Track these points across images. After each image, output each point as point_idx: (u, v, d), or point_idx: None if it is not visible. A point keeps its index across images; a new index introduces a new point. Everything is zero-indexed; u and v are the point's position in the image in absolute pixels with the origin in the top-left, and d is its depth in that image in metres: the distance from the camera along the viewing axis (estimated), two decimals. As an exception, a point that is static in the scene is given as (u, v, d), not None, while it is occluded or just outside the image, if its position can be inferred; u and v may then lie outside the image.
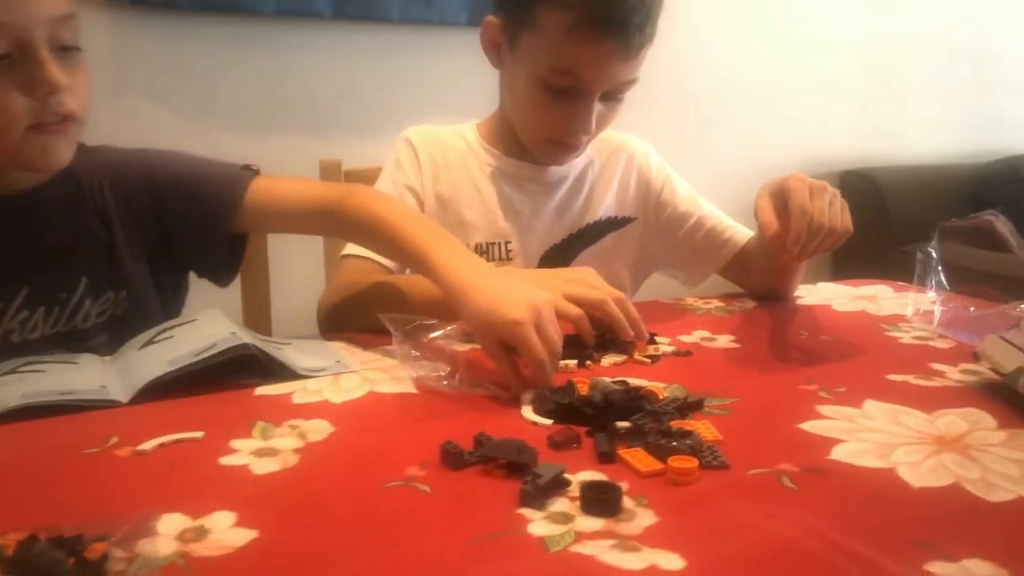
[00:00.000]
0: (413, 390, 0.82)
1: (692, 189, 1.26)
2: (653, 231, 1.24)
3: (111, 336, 1.01)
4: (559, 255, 1.18)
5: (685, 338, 1.02)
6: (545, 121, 1.11)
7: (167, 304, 1.08)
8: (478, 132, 1.23)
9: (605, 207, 1.21)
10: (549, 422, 0.74)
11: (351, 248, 1.12)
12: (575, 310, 0.88)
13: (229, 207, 1.02)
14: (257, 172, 1.06)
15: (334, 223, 1.02)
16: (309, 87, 2.01)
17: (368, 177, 1.56)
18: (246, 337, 0.84)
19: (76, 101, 0.90)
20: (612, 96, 1.09)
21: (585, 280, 0.94)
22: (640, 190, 1.24)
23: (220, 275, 1.09)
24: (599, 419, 0.73)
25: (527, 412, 0.77)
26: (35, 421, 0.73)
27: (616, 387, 0.78)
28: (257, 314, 1.29)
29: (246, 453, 0.67)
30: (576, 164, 1.21)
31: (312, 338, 1.00)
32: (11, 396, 0.75)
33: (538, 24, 1.05)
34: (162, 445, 0.68)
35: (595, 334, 0.97)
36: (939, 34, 3.18)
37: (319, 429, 0.72)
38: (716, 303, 1.19)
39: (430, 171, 1.19)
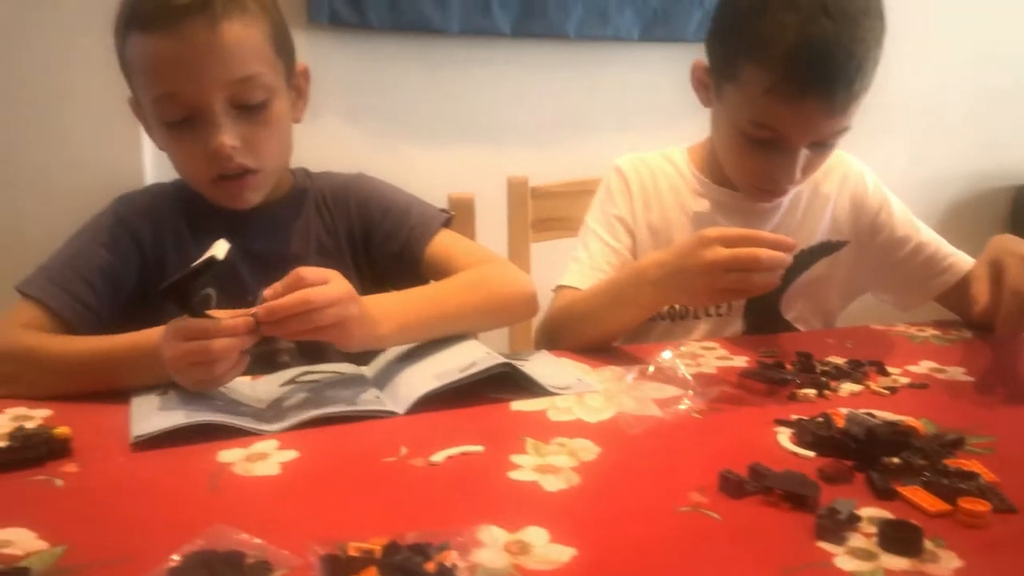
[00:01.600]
0: (658, 412, 0.85)
1: (909, 211, 1.23)
2: (867, 254, 1.22)
3: None
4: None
5: (914, 368, 1.00)
6: (748, 169, 1.12)
7: None
8: (689, 158, 1.24)
9: (821, 231, 1.21)
10: (811, 454, 0.75)
11: (566, 279, 1.16)
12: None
13: (419, 250, 1.10)
14: (450, 218, 1.14)
15: None
16: (490, 102, 2.08)
17: (554, 193, 1.60)
18: (499, 355, 0.89)
19: (254, 156, 0.99)
20: (820, 144, 1.08)
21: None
22: (854, 212, 1.22)
23: None
24: (864, 453, 0.73)
25: (785, 441, 0.78)
26: (328, 428, 0.79)
27: (875, 421, 0.78)
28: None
29: (529, 469, 0.71)
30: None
31: (540, 354, 1.04)
32: (305, 407, 0.82)
33: (740, 78, 1.05)
34: (450, 457, 0.73)
35: (823, 366, 0.98)
36: None
37: (587, 448, 0.76)
38: (931, 331, 1.17)
39: (641, 200, 1.21)
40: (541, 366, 0.95)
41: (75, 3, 1.56)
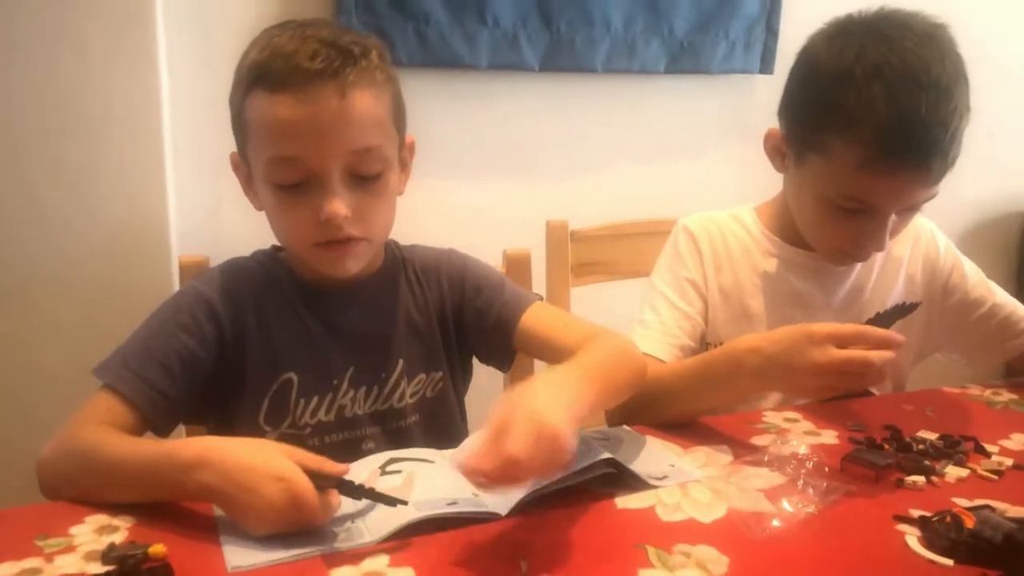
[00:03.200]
0: (770, 507, 0.81)
1: (980, 272, 1.21)
2: (938, 316, 1.20)
3: (422, 416, 1.06)
4: (851, 346, 1.16)
5: (1008, 444, 0.98)
6: (833, 237, 1.09)
7: (458, 388, 1.12)
8: (758, 218, 1.20)
9: (895, 293, 1.18)
10: (950, 562, 0.72)
11: (646, 347, 1.10)
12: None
13: (512, 323, 1.05)
14: (540, 299, 1.10)
15: None
16: (518, 136, 2.04)
17: (595, 237, 1.57)
18: (602, 446, 0.85)
19: (363, 226, 0.94)
20: (908, 210, 1.06)
21: None
22: (926, 274, 1.20)
23: (502, 366, 1.12)
24: (1004, 560, 0.70)
25: (916, 545, 0.75)
26: (435, 538, 0.74)
27: (1009, 524, 0.75)
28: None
29: (667, 589, 0.68)
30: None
31: (621, 430, 1.00)
32: (405, 511, 0.77)
33: (828, 151, 1.02)
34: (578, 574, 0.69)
35: (918, 443, 0.95)
36: None
37: (714, 559, 0.72)
38: (1008, 395, 1.14)
39: (712, 262, 1.17)
40: (632, 450, 0.92)
41: (102, 40, 1.50)
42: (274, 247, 1.06)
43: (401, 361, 1.04)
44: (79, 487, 0.81)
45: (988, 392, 1.16)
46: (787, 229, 1.17)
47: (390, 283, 1.06)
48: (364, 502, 0.78)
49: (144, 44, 1.53)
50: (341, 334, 1.02)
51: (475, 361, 1.15)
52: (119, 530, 0.75)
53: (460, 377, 1.12)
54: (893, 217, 1.04)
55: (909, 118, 0.95)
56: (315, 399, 0.99)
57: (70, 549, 0.72)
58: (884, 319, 1.17)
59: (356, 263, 0.98)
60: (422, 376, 1.05)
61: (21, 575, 0.68)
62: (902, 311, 1.18)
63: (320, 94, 0.89)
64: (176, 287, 1.59)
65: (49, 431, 0.87)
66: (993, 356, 1.19)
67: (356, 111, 0.90)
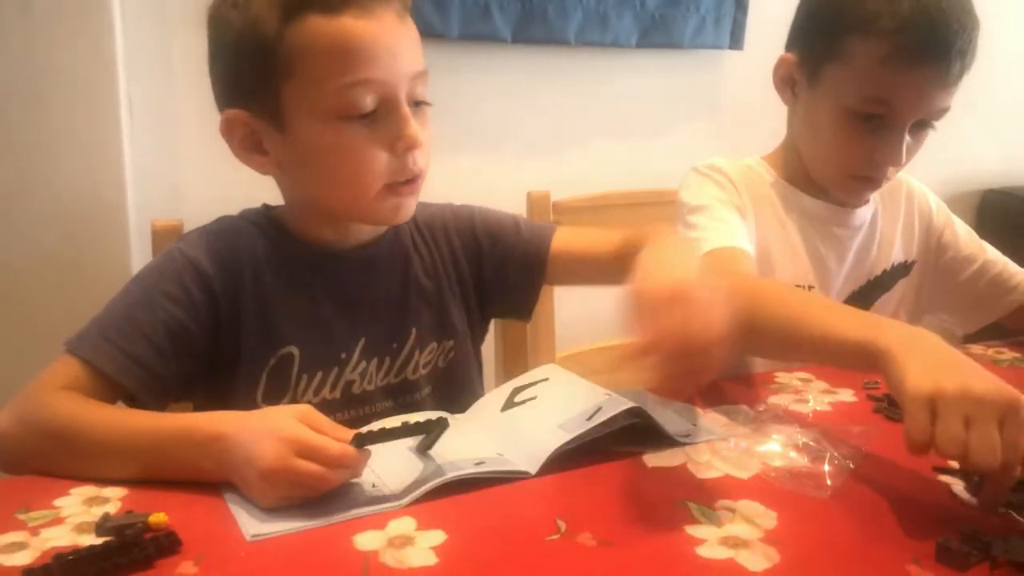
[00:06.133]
0: (806, 462, 0.78)
1: (971, 230, 1.20)
2: (930, 274, 1.19)
3: (434, 387, 0.99)
4: (858, 302, 1.13)
5: (1025, 398, 0.96)
6: (850, 154, 1.05)
7: (476, 353, 1.06)
8: (769, 166, 1.15)
9: (896, 250, 1.16)
10: (1002, 509, 0.69)
11: (717, 241, 1.00)
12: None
13: (542, 256, 1.00)
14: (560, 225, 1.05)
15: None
16: (489, 108, 1.99)
17: (577, 208, 1.52)
18: (626, 399, 0.80)
19: (424, 159, 0.88)
20: (922, 125, 1.04)
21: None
22: (921, 232, 1.18)
23: (523, 316, 1.07)
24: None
25: (964, 494, 0.72)
26: (463, 498, 0.69)
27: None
28: (544, 331, 1.31)
29: (715, 543, 0.63)
30: (868, 208, 1.15)
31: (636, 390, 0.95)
32: (426, 472, 0.72)
33: (846, 54, 1.01)
34: (621, 532, 0.65)
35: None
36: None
37: (762, 514, 0.68)
38: (1010, 353, 1.13)
39: (748, 200, 1.10)
40: (651, 408, 0.87)
41: (49, 8, 1.40)
42: (265, 206, 0.96)
43: (414, 330, 0.96)
44: (51, 462, 0.73)
45: (991, 351, 1.14)
46: (799, 177, 1.13)
47: (399, 245, 0.98)
48: (381, 462, 0.72)
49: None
50: (349, 303, 0.93)
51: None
52: (110, 501, 0.68)
53: (478, 338, 1.05)
54: (907, 138, 1.02)
55: (930, 11, 0.97)
56: (319, 375, 0.90)
57: (57, 521, 0.64)
58: (891, 275, 1.17)
59: (415, 205, 0.92)
60: (434, 345, 0.98)
61: (6, 550, 0.60)
62: (904, 269, 1.17)
63: (383, 12, 0.83)
64: (134, 259, 1.51)
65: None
66: (986, 314, 1.18)
67: (411, 32, 0.86)
